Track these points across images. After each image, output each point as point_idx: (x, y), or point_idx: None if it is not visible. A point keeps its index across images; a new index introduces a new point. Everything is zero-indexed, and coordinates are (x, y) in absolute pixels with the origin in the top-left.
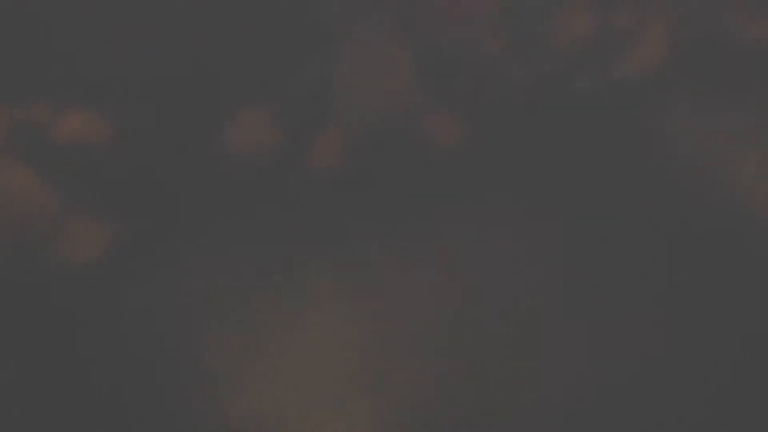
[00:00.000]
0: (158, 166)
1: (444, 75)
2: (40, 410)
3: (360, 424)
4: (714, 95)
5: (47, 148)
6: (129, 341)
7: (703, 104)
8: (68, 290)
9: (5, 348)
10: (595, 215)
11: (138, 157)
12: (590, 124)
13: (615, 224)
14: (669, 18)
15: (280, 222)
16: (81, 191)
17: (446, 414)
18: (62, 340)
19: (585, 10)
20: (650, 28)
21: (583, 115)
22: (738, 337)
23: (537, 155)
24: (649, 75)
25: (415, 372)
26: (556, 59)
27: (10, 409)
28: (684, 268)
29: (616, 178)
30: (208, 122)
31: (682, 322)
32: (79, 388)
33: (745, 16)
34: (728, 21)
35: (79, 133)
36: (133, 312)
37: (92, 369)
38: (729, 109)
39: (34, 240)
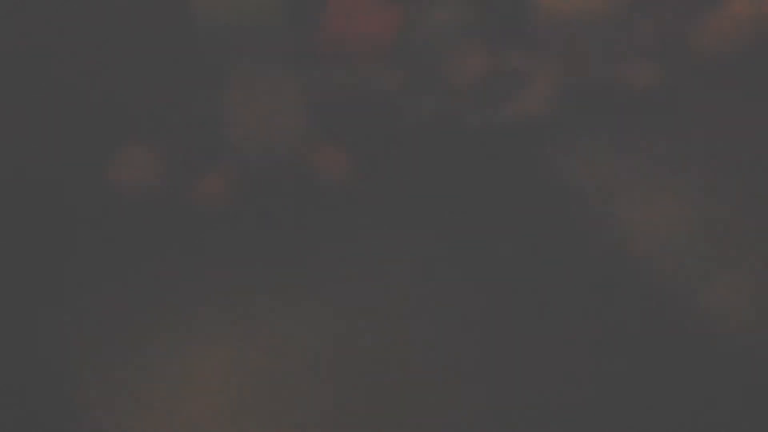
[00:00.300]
0: (42, 200)
1: (335, 110)
2: None
3: None
4: (606, 136)
5: None
6: (10, 386)
7: (594, 144)
8: None
9: None
10: (479, 248)
11: (19, 191)
12: (480, 161)
13: (501, 256)
14: (563, 61)
15: (167, 255)
16: None
17: None
18: None
19: (479, 49)
20: (543, 70)
21: (472, 152)
22: (624, 358)
23: (425, 191)
24: (540, 115)
25: (300, 405)
26: (448, 97)
27: None
28: (574, 300)
29: (503, 215)
30: (93, 158)
31: (578, 349)
32: None
33: (637, 63)
34: (621, 66)
35: None
36: (16, 345)
37: None
38: (622, 150)
39: None
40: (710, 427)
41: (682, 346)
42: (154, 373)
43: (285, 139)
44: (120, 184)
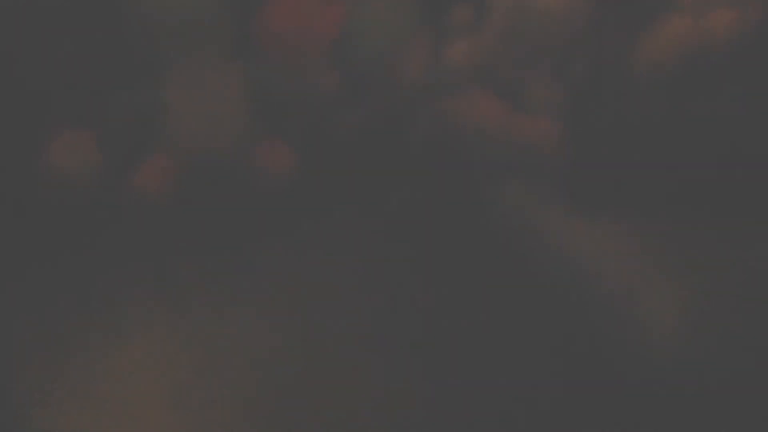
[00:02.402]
0: None
1: (277, 105)
2: None
3: None
4: None
5: None
6: None
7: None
8: None
9: None
10: (423, 245)
11: None
12: (425, 159)
13: (444, 259)
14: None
15: (102, 247)
16: None
17: None
18: None
19: (423, 49)
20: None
21: (417, 150)
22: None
23: (368, 189)
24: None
25: (230, 398)
26: (392, 94)
27: None
28: (514, 308)
29: (449, 216)
30: (30, 144)
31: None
32: None
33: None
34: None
35: None
36: None
37: None
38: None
39: None
40: None
41: (615, 355)
42: (90, 367)
43: (225, 131)
44: (55, 171)
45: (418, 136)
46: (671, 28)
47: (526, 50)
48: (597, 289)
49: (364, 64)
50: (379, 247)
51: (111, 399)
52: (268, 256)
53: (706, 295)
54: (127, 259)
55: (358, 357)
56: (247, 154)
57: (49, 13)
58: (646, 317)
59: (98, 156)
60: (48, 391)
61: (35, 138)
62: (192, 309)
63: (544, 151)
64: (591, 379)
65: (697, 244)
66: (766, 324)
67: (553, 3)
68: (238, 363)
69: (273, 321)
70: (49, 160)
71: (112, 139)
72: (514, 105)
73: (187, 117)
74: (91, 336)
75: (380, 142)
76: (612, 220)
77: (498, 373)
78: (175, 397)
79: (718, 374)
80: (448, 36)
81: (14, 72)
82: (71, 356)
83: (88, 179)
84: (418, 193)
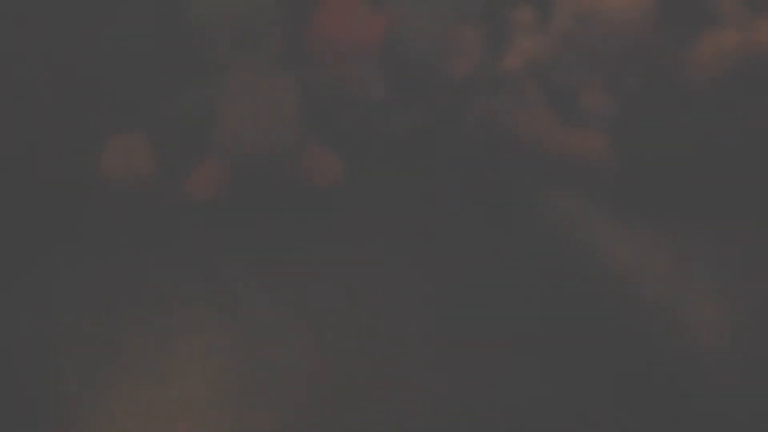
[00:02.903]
0: (35, 187)
1: (328, 112)
2: None
3: None
4: None
5: None
6: None
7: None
8: None
9: None
10: (467, 256)
11: (14, 178)
12: (471, 168)
13: (488, 262)
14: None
15: (156, 250)
16: None
17: None
18: None
19: (471, 54)
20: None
21: (464, 157)
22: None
23: (414, 199)
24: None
25: (278, 400)
26: (441, 102)
27: None
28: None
29: (490, 228)
30: (84, 146)
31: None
32: None
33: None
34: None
35: None
36: None
37: None
38: None
39: None
40: None
41: (662, 364)
42: (140, 369)
43: (277, 137)
44: (111, 172)
45: (466, 140)
46: (717, 41)
47: (584, 58)
48: (643, 298)
49: (412, 67)
50: (424, 252)
51: (159, 401)
52: (315, 259)
53: (754, 303)
54: (177, 262)
55: (410, 360)
56: (296, 160)
57: (111, 21)
58: (694, 326)
59: (151, 159)
60: (96, 393)
61: (90, 141)
62: (241, 311)
63: (592, 162)
64: (639, 387)
65: (743, 253)
66: None
67: (618, 12)
68: (287, 365)
69: (321, 325)
70: (105, 161)
71: (165, 142)
72: (564, 113)
73: (239, 122)
74: (142, 337)
75: (428, 147)
76: (658, 231)
77: (548, 384)
78: (224, 400)
79: (766, 380)
80: (505, 37)
81: (75, 77)
82: (121, 356)
83: (141, 182)
84: (464, 197)
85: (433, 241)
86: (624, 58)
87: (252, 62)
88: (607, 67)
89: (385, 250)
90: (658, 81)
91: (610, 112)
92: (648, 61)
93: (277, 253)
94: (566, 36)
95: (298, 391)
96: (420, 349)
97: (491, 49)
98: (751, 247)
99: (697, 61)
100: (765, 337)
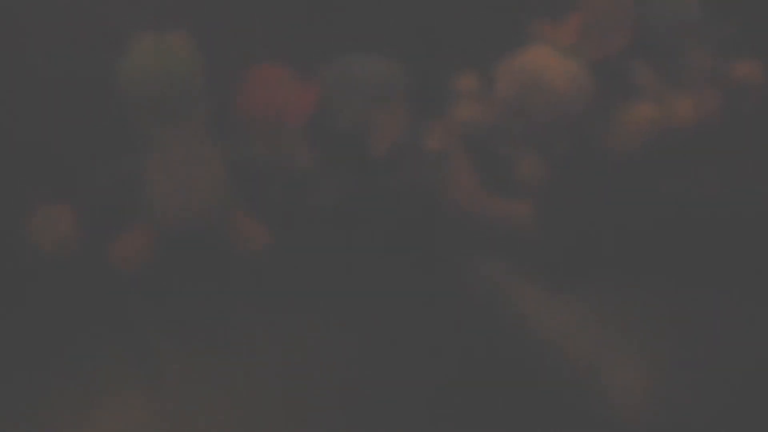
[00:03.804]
0: None
1: (255, 180)
2: None
3: None
4: None
5: None
6: None
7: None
8: None
9: None
10: (392, 323)
11: None
12: (396, 236)
13: (412, 328)
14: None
15: (79, 318)
16: None
17: None
18: None
19: (398, 124)
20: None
21: (388, 226)
22: None
23: (340, 265)
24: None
25: None
26: (368, 171)
27: None
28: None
29: (416, 288)
30: (8, 216)
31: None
32: None
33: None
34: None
35: None
36: None
37: None
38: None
39: None
40: None
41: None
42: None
43: (203, 205)
44: (36, 241)
45: (394, 209)
46: (637, 113)
47: (521, 126)
48: (564, 363)
49: (339, 140)
50: (349, 319)
51: None
52: (241, 326)
53: (673, 368)
54: (101, 331)
55: (335, 425)
56: (223, 228)
57: (33, 88)
58: (613, 391)
59: (77, 228)
60: None
61: (13, 210)
62: (167, 379)
63: (519, 228)
64: None
65: (666, 316)
66: (734, 395)
67: (559, 83)
68: None
69: (247, 397)
70: (30, 230)
71: (91, 211)
72: (494, 181)
73: (166, 190)
74: (63, 402)
75: (354, 216)
76: (581, 296)
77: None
78: None
79: None
80: (443, 104)
81: None
82: (42, 417)
83: (66, 251)
84: (389, 265)
85: (357, 308)
86: (555, 128)
87: (178, 131)
88: (539, 136)
89: (309, 317)
90: (584, 150)
91: (540, 180)
92: (576, 132)
93: (203, 321)
94: (506, 105)
95: None
96: (343, 415)
97: (425, 115)
98: (674, 309)
99: (619, 132)
100: (686, 399)
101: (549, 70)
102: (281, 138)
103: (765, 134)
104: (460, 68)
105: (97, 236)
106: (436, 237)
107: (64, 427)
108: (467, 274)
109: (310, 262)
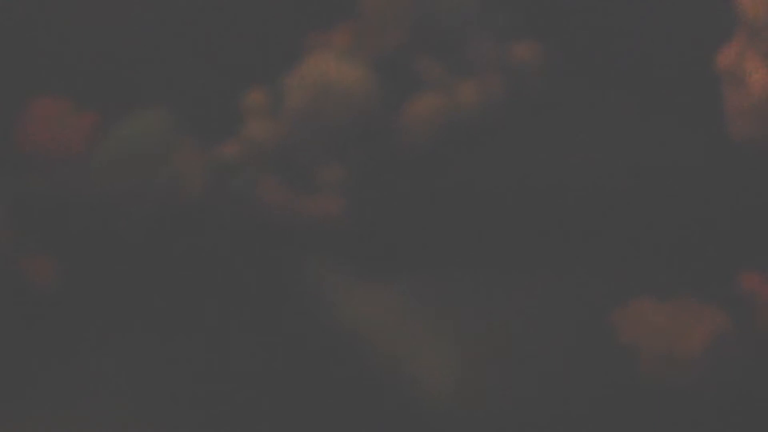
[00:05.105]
0: None
1: (43, 216)
2: None
3: None
4: None
5: None
6: None
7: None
8: None
9: None
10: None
11: None
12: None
13: (240, 328)
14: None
15: None
16: None
17: None
18: None
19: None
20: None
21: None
22: None
23: (143, 297)
24: None
25: None
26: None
27: None
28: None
29: (241, 297)
30: None
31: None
32: None
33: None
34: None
35: None
36: None
37: None
38: None
39: None
40: None
41: (395, 417)
42: None
43: None
44: None
45: (207, 227)
46: (425, 105)
47: (316, 132)
48: (378, 352)
49: (125, 168)
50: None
51: None
52: (47, 372)
53: (482, 355)
54: None
55: None
56: (12, 268)
57: None
58: (425, 377)
59: None
60: None
61: None
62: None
63: (331, 226)
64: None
65: (470, 303)
66: (543, 382)
67: (344, 84)
68: None
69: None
70: None
71: None
72: (302, 185)
73: None
74: None
75: (165, 242)
76: (392, 285)
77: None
78: None
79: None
80: (236, 122)
81: None
82: None
83: None
84: (209, 277)
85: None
86: (349, 127)
87: None
88: (336, 138)
89: (118, 355)
90: (380, 145)
91: (343, 179)
92: (369, 128)
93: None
94: (298, 114)
95: None
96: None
97: (220, 134)
98: (484, 298)
99: (410, 124)
100: (495, 389)
101: (333, 75)
102: (62, 169)
103: (549, 114)
104: (246, 86)
105: None
106: (256, 243)
107: None
108: (288, 273)
109: (107, 295)
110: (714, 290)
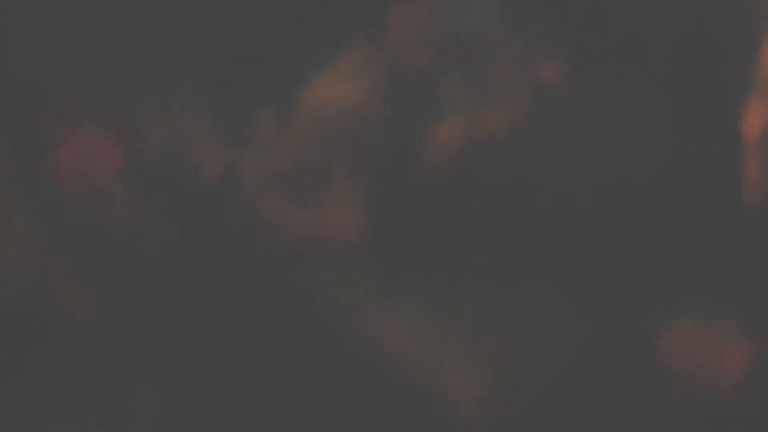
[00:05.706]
0: None
1: (76, 245)
2: None
3: None
4: None
5: None
6: None
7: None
8: None
9: None
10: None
11: None
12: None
13: (259, 349)
14: None
15: None
16: None
17: None
18: None
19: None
20: None
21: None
22: None
23: (179, 327)
24: None
25: None
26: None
27: None
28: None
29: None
30: None
31: None
32: None
33: None
34: None
35: None
36: None
37: None
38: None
39: None
40: None
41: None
42: None
43: (23, 273)
44: None
45: (220, 251)
46: (447, 128)
47: (330, 150)
48: (402, 371)
49: (158, 188)
50: (191, 386)
51: None
52: (74, 397)
53: (508, 374)
54: None
55: None
56: (46, 295)
57: None
58: (451, 397)
59: None
60: None
61: None
62: None
63: (349, 242)
64: None
65: (496, 323)
66: (575, 401)
67: (355, 106)
68: None
69: None
70: None
71: None
72: (314, 201)
73: None
74: None
75: (184, 262)
76: (417, 304)
77: None
78: None
79: None
80: (246, 145)
81: None
82: None
83: None
84: (228, 297)
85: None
86: (368, 145)
87: None
88: (353, 155)
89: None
90: (401, 162)
91: (361, 198)
92: (389, 146)
93: (31, 392)
94: (309, 137)
95: None
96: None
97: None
98: (511, 315)
99: (431, 146)
100: (522, 408)
101: (343, 98)
102: (98, 195)
103: (575, 133)
104: (259, 105)
105: None
106: (268, 262)
107: None
108: (307, 289)
109: (142, 325)
110: (757, 312)
